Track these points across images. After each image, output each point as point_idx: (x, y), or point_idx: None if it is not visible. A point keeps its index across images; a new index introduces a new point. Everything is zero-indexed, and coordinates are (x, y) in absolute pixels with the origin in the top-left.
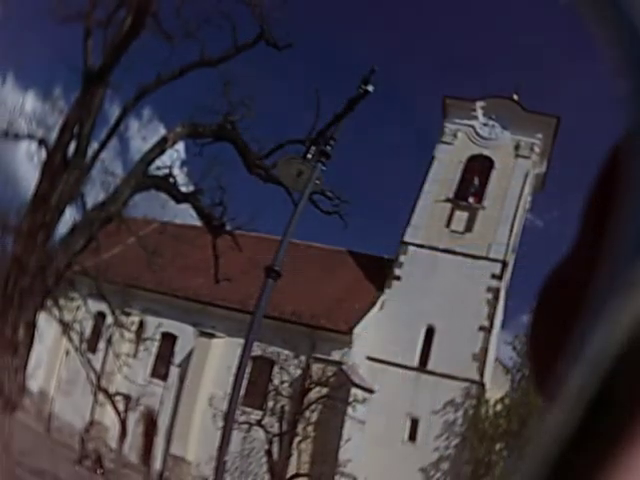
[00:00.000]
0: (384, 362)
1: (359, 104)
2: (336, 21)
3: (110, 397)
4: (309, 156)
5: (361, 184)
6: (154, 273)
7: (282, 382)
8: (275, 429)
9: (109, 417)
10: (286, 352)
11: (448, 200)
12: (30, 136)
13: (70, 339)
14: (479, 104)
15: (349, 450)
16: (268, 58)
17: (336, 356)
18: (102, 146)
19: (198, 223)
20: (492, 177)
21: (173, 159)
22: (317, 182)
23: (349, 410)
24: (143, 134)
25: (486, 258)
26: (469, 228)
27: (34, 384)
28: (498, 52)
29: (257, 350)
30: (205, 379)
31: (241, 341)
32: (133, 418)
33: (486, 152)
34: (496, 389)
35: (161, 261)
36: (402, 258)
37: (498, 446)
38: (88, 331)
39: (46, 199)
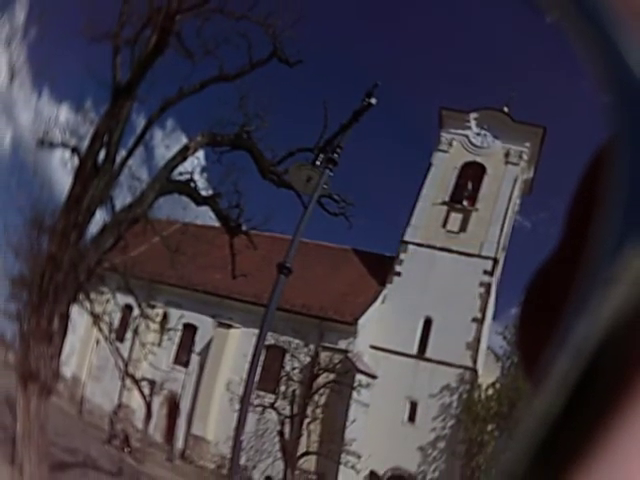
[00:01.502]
0: (386, 350)
1: (363, 116)
2: (342, 40)
3: (136, 382)
4: (318, 163)
5: (365, 188)
6: (176, 269)
7: (293, 368)
8: (287, 411)
9: (136, 400)
10: (297, 341)
11: (444, 203)
12: (64, 144)
13: (100, 329)
14: (472, 115)
15: (354, 430)
16: (280, 74)
17: (342, 345)
18: (129, 154)
19: (217, 224)
20: (484, 182)
21: (194, 166)
22: (325, 186)
23: (354, 394)
24: (167, 143)
25: (479, 256)
26: (463, 228)
27: (67, 370)
28: (490, 69)
29: (270, 339)
30: (223, 366)
31: (256, 331)
32: (157, 401)
33: (479, 159)
34: (488, 375)
35: (183, 258)
36: (402, 256)
37: (490, 427)
38: (116, 322)
39: (78, 202)
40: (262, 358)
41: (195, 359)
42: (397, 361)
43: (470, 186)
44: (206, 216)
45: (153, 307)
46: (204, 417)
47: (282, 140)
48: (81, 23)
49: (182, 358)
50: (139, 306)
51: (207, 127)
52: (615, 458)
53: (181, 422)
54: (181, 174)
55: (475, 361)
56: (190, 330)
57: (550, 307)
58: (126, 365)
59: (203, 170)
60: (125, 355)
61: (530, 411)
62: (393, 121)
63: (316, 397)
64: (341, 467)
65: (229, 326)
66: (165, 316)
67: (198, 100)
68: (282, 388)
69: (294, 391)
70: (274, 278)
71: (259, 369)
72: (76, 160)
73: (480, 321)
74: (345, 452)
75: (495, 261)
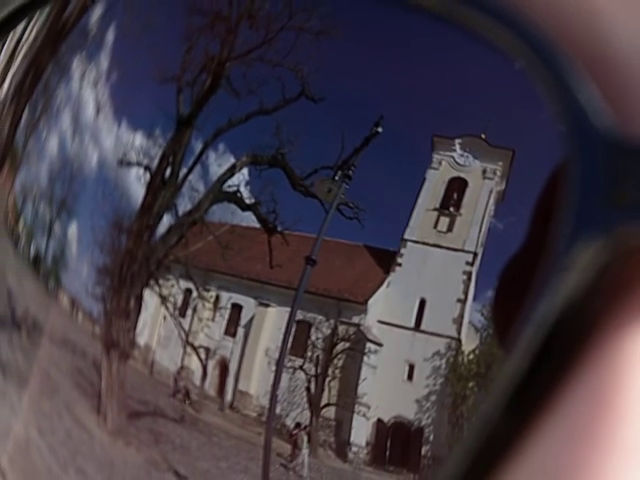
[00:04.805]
0: (390, 324)
1: (372, 141)
2: (356, 82)
3: (195, 349)
4: (336, 178)
5: (373, 198)
6: (226, 261)
7: (317, 338)
8: (312, 372)
9: (194, 363)
10: (320, 317)
11: (435, 209)
12: (138, 164)
13: (167, 308)
14: (457, 140)
15: (365, 387)
16: (307, 108)
17: (355, 320)
18: (189, 171)
19: (258, 225)
20: (466, 193)
21: (240, 180)
22: (342, 196)
23: (365, 358)
24: (219, 162)
25: (462, 250)
26: (450, 229)
27: (141, 340)
28: (471, 105)
29: (299, 316)
30: (262, 336)
31: (288, 309)
32: (211, 364)
33: (462, 175)
34: (469, 343)
35: (231, 252)
36: (402, 250)
37: (471, 384)
38: (179, 302)
39: (150, 208)
40: (293, 330)
41: (241, 331)
42: (398, 332)
43: (455, 196)
44: (249, 219)
45: (208, 291)
46: (248, 376)
47: (309, 160)
48: (152, 69)
49: (230, 330)
50: (197, 290)
51: (250, 150)
52: (567, 411)
53: (230, 380)
54: (230, 186)
55: (459, 332)
56: (237, 309)
57: (518, 290)
58: (187, 336)
59: (247, 183)
60: (186, 328)
61: (502, 372)
62: (395, 145)
63: (335, 361)
64: (354, 415)
65: (267, 305)
66: (217, 298)
67: (243, 129)
68: (309, 354)
69: (318, 356)
70: (302, 268)
71: (290, 339)
72: (148, 176)
73: (463, 301)
74: (358, 404)
75: (475, 255)
